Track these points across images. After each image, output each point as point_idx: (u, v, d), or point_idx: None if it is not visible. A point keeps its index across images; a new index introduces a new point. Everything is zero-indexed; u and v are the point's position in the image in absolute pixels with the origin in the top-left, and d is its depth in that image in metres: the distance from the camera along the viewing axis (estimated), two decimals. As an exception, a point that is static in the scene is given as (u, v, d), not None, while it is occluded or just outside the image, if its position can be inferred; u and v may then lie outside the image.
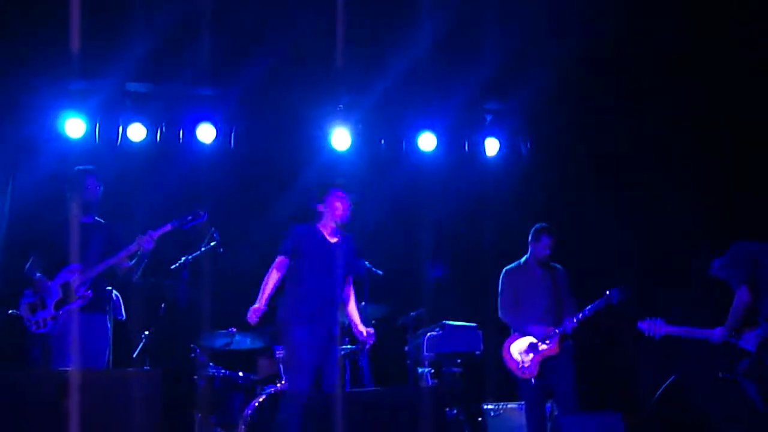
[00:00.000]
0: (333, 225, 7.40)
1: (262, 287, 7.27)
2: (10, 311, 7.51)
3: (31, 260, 7.03)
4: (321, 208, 7.43)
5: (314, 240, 7.37)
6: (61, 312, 6.75)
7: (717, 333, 7.26)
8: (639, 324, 7.65)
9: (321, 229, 7.42)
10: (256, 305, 7.19)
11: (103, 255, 6.93)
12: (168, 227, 7.03)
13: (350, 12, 8.11)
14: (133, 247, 6.91)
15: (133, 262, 7.05)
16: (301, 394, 6.94)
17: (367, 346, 7.53)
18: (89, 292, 6.83)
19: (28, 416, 5.27)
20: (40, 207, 7.71)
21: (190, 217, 7.11)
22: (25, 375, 5.97)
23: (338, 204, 7.39)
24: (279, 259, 7.33)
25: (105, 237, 7.05)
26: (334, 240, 7.39)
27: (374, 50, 8.91)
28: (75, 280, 6.79)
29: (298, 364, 7.08)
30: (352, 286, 7.56)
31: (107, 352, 6.93)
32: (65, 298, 6.77)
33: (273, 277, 7.30)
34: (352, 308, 7.52)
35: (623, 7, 8.28)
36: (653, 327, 7.56)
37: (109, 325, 6.98)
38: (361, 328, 7.41)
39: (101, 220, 7.22)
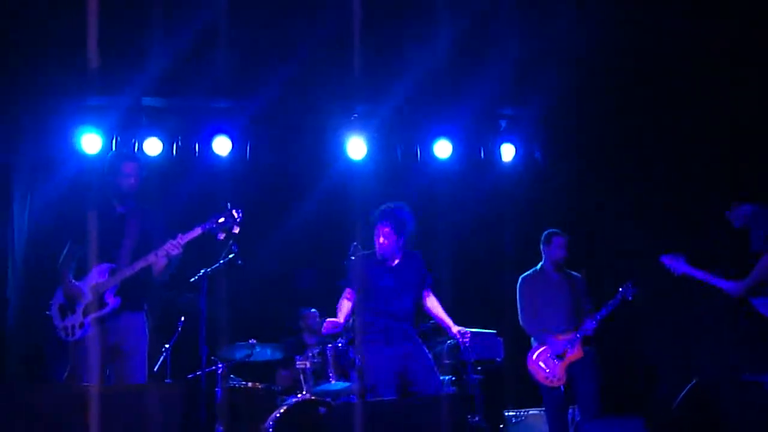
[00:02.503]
0: None
1: None
2: (47, 312, 7.45)
3: (66, 250, 6.67)
4: None
5: None
6: (87, 319, 6.44)
7: (734, 286, 7.14)
8: (661, 257, 7.56)
9: None
10: None
11: (136, 250, 6.56)
12: (197, 231, 6.57)
13: (364, 21, 8.13)
14: (161, 252, 6.47)
15: (166, 261, 6.60)
16: None
17: (467, 345, 7.57)
18: (117, 298, 6.48)
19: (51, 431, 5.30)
20: (58, 222, 7.65)
21: (221, 218, 6.58)
22: (47, 389, 5.99)
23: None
24: None
25: (140, 228, 6.65)
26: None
27: (389, 59, 8.92)
28: (105, 283, 6.47)
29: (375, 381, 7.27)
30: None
31: (144, 355, 6.63)
32: (93, 303, 6.46)
33: None
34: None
35: (639, 9, 8.26)
36: (674, 263, 7.48)
37: (144, 323, 6.66)
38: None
39: (138, 207, 6.80)
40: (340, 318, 7.41)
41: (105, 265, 6.53)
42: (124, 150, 7.03)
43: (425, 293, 7.66)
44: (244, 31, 8.31)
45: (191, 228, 6.58)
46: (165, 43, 8.29)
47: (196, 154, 9.75)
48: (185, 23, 8.12)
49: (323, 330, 7.35)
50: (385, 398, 7.03)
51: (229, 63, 8.57)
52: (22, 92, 8.84)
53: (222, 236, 6.70)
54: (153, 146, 9.50)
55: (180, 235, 6.52)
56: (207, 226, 6.60)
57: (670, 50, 8.72)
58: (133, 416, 5.37)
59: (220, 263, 7.89)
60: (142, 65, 8.56)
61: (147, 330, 6.72)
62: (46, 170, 9.15)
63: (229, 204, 6.67)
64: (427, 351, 7.48)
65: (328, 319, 7.34)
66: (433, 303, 7.68)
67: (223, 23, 8.09)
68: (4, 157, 8.93)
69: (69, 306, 6.51)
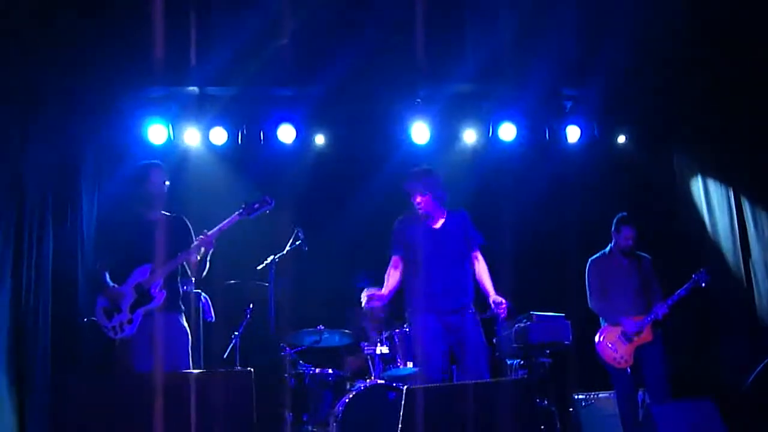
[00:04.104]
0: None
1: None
2: (85, 319, 7.64)
3: (96, 262, 7.03)
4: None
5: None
6: (136, 314, 6.62)
7: None
8: None
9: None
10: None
11: (172, 251, 6.75)
12: (236, 217, 6.82)
13: (426, 5, 8.11)
14: (194, 249, 6.74)
15: (198, 257, 6.83)
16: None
17: (502, 317, 7.36)
18: (163, 291, 6.66)
19: (123, 419, 5.38)
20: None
21: (256, 205, 6.85)
22: (121, 378, 6.10)
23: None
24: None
25: (172, 231, 6.84)
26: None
27: (451, 43, 8.88)
28: (148, 280, 6.65)
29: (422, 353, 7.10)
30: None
31: (187, 351, 6.78)
32: (140, 299, 6.64)
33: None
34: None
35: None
36: None
37: (184, 323, 6.83)
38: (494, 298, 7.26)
39: (167, 213, 6.99)
40: (385, 290, 7.32)
41: (145, 266, 6.71)
42: (149, 161, 7.15)
43: (473, 254, 7.45)
44: (307, 18, 8.33)
45: (229, 217, 6.83)
46: (229, 32, 8.35)
47: (261, 143, 9.82)
48: (248, 12, 8.16)
49: (365, 305, 7.22)
50: (432, 376, 6.97)
51: (293, 51, 8.59)
52: (87, 85, 8.93)
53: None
54: (218, 135, 9.63)
55: (215, 229, 6.77)
56: (243, 213, 6.86)
57: (740, 23, 8.53)
58: (202, 403, 5.44)
59: (286, 250, 7.98)
60: (207, 55, 8.61)
61: (188, 331, 6.85)
62: (113, 164, 9.26)
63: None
64: (479, 324, 7.26)
65: (370, 291, 7.19)
66: (480, 267, 7.44)
67: (286, 11, 8.11)
68: (72, 151, 9.05)
69: (113, 307, 6.69)
